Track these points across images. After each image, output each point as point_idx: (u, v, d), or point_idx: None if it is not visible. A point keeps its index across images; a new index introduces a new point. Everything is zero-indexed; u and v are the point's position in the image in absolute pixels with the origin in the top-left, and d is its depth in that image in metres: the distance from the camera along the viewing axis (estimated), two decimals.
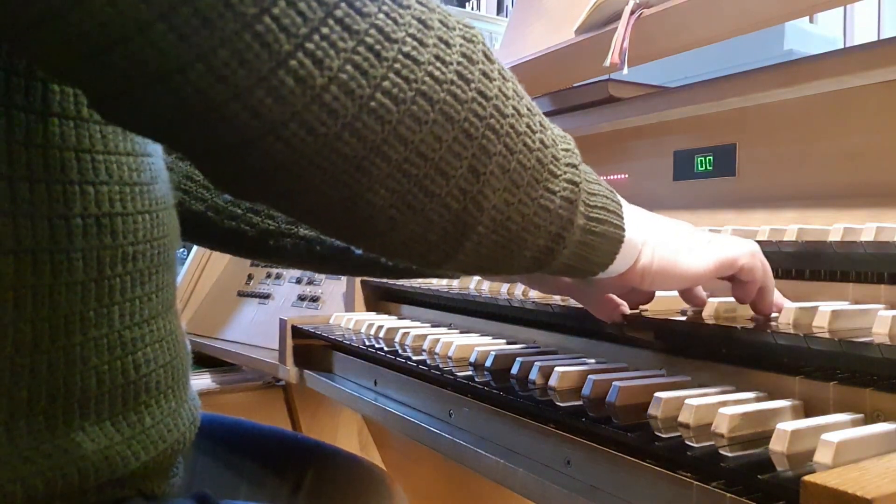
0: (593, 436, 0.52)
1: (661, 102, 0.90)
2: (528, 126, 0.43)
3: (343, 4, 0.34)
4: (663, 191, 0.93)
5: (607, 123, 0.99)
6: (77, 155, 0.43)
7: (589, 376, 0.59)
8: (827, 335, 0.50)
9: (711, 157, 0.86)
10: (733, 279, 0.57)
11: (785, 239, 0.64)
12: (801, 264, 0.65)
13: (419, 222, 0.40)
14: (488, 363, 0.70)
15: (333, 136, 0.35)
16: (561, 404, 0.57)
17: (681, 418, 0.51)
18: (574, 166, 0.46)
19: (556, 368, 0.62)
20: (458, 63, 0.38)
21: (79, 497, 0.43)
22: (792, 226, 0.65)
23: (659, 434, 0.49)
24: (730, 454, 0.45)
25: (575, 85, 1.05)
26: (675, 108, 0.88)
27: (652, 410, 0.53)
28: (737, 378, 0.58)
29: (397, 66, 0.36)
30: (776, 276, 0.67)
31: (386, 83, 0.35)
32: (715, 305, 0.62)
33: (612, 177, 1.03)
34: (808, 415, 0.52)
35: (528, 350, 0.76)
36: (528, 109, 0.43)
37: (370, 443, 1.40)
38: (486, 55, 0.41)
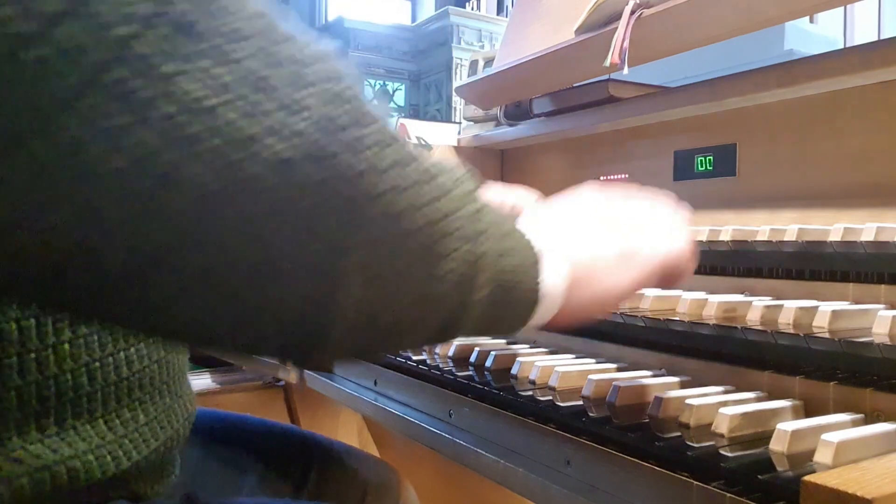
0: (593, 436, 0.52)
1: (661, 102, 0.90)
2: (410, 202, 0.35)
3: None
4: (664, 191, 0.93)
5: (607, 123, 0.99)
6: None
7: (589, 376, 0.59)
8: (827, 335, 0.50)
9: (712, 158, 0.86)
10: None
11: (785, 239, 0.64)
12: (802, 264, 0.65)
13: (255, 326, 0.33)
14: (488, 363, 0.70)
15: None
16: (561, 404, 0.57)
17: (681, 418, 0.51)
18: (473, 238, 0.39)
19: (556, 368, 0.62)
20: (309, 134, 0.31)
21: (68, 498, 0.43)
22: (792, 226, 0.65)
23: (659, 434, 0.49)
24: (730, 454, 0.45)
25: (575, 85, 1.05)
26: (676, 108, 0.88)
27: (652, 410, 0.53)
28: (737, 378, 0.58)
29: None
30: (777, 277, 0.67)
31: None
32: (715, 305, 0.62)
33: (612, 177, 1.03)
34: (808, 415, 0.52)
35: (528, 350, 0.76)
36: (414, 178, 0.35)
37: (370, 443, 1.40)
38: (355, 116, 0.33)
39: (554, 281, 0.45)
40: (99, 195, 0.27)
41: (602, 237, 0.49)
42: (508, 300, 0.42)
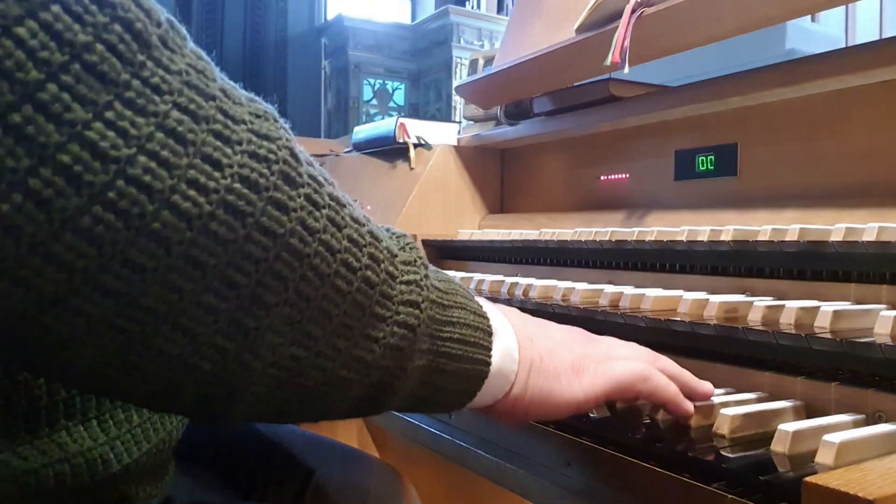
0: (594, 437, 0.52)
1: (662, 102, 0.90)
2: (345, 264, 0.35)
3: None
4: (664, 191, 0.93)
5: (608, 123, 0.99)
6: None
7: None
8: (829, 335, 0.50)
9: (713, 157, 0.85)
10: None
11: (786, 239, 0.64)
12: (803, 264, 0.64)
13: (157, 384, 0.32)
14: None
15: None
16: None
17: (682, 419, 0.51)
18: (414, 304, 0.39)
19: None
20: (230, 190, 0.30)
21: (53, 502, 0.42)
22: (794, 225, 0.65)
23: (660, 435, 0.49)
24: (731, 455, 0.45)
25: (575, 84, 1.05)
26: (677, 108, 0.87)
27: (652, 412, 0.53)
28: (738, 378, 0.58)
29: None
30: (778, 277, 0.67)
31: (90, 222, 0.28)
32: (716, 305, 0.62)
33: (612, 177, 1.02)
34: (809, 415, 0.51)
35: None
36: (351, 239, 0.35)
37: (370, 443, 1.40)
38: (285, 176, 0.32)
39: (507, 357, 0.44)
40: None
41: (563, 343, 0.49)
42: (452, 370, 0.41)
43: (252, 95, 0.34)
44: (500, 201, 1.28)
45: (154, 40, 0.29)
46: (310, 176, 0.34)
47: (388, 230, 0.41)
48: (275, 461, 0.74)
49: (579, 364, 0.48)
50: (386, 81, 5.90)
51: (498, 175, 1.28)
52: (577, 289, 0.76)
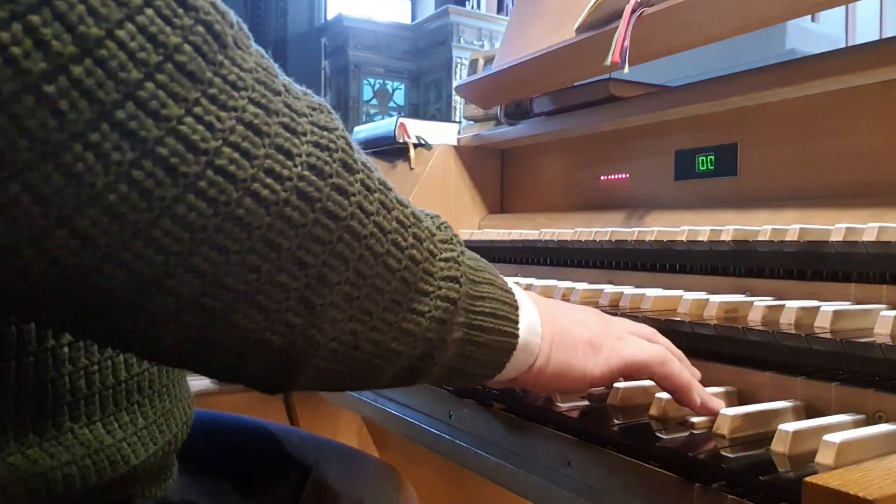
0: (594, 437, 0.52)
1: (662, 102, 0.90)
2: (394, 243, 0.38)
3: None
4: (664, 190, 0.93)
5: (608, 123, 0.99)
6: None
7: None
8: (829, 335, 0.50)
9: (713, 157, 0.86)
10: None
11: (786, 239, 0.64)
12: (803, 264, 0.64)
13: (229, 356, 0.35)
14: None
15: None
16: (561, 405, 0.57)
17: (682, 419, 0.51)
18: (453, 279, 0.42)
19: None
20: (301, 178, 0.33)
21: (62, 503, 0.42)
22: (794, 225, 0.65)
23: (660, 435, 0.49)
24: (731, 455, 0.45)
25: (576, 84, 1.05)
26: (677, 108, 0.87)
27: (652, 411, 0.53)
28: (738, 378, 0.58)
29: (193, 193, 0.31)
30: (778, 277, 0.67)
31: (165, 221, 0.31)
32: (716, 305, 0.62)
33: (612, 176, 1.02)
34: (809, 415, 0.51)
35: None
36: (398, 220, 0.39)
37: (370, 444, 1.40)
38: (344, 164, 0.36)
39: (529, 335, 0.47)
40: (104, 220, 0.29)
41: (580, 320, 0.51)
42: (484, 342, 0.44)
43: (305, 89, 0.37)
44: (500, 201, 1.28)
45: (229, 41, 0.32)
46: (362, 163, 0.37)
47: (421, 211, 0.44)
48: (272, 461, 0.74)
49: (597, 340, 0.50)
50: (386, 81, 5.90)
51: (498, 175, 1.28)
52: (577, 289, 0.76)
